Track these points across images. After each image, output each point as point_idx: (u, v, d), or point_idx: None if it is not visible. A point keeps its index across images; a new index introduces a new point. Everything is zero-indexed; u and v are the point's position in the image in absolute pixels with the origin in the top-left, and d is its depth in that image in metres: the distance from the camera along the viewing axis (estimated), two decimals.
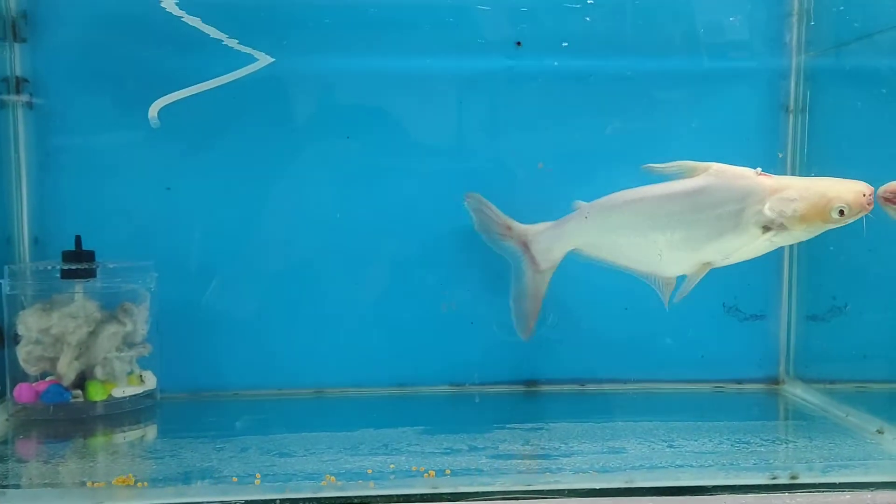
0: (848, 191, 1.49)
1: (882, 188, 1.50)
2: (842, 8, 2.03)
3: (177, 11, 1.86)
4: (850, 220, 1.51)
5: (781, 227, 1.51)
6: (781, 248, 2.17)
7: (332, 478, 1.47)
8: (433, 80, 2.09)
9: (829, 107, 2.10)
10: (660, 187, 1.65)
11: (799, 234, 1.56)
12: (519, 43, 2.01)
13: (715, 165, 1.60)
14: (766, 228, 1.52)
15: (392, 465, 1.54)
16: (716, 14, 2.11)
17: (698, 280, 1.66)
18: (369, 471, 1.51)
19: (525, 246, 1.79)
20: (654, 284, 1.73)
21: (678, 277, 1.72)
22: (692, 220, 1.59)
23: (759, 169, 1.58)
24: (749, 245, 1.57)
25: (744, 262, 2.15)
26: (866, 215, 1.51)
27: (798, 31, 2.13)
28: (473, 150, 2.12)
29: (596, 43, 2.09)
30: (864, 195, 1.48)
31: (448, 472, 1.50)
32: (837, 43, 2.05)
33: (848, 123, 2.01)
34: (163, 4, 1.84)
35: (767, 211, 1.51)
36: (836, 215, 1.48)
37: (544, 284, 1.80)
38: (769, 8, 2.14)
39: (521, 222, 1.88)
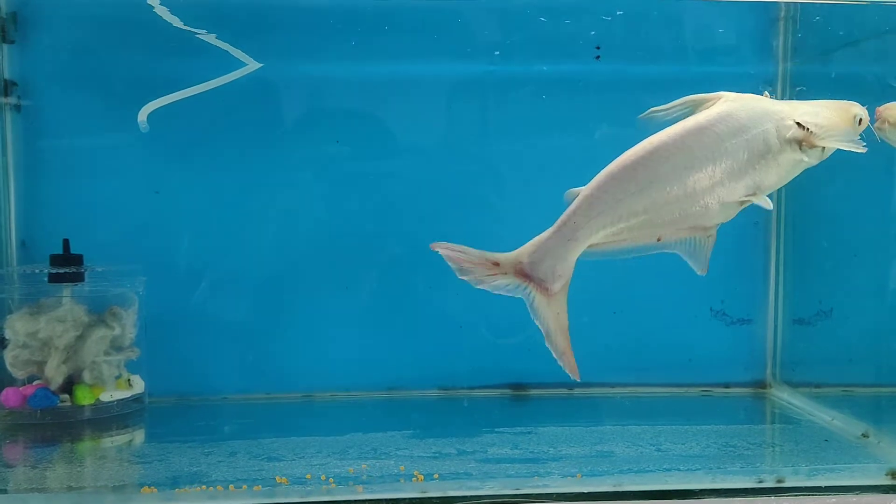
0: (854, 104, 1.50)
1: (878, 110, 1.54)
2: (825, 17, 2.05)
3: (168, 16, 1.85)
4: (859, 132, 1.49)
5: (813, 138, 1.44)
6: (768, 252, 2.20)
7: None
8: (423, 85, 2.10)
9: None
10: (675, 127, 1.45)
11: (826, 149, 1.47)
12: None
13: (726, 93, 1.47)
14: (799, 144, 1.44)
15: (381, 469, 1.54)
16: (703, 20, 2.12)
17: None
18: (352, 470, 1.51)
19: (524, 274, 1.47)
20: (689, 249, 1.48)
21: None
22: (729, 148, 1.42)
23: (766, 93, 1.53)
24: (781, 167, 1.46)
25: (730, 266, 2.20)
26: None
27: (784, 38, 2.15)
28: (463, 155, 2.13)
29: (584, 48, 2.10)
30: (866, 111, 1.50)
31: (436, 476, 1.51)
32: (823, 50, 2.07)
33: None
34: (150, 2, 1.83)
35: (798, 125, 1.44)
36: (857, 124, 1.48)
37: (563, 309, 1.48)
38: (756, 15, 2.16)
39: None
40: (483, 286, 1.48)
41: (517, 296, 1.47)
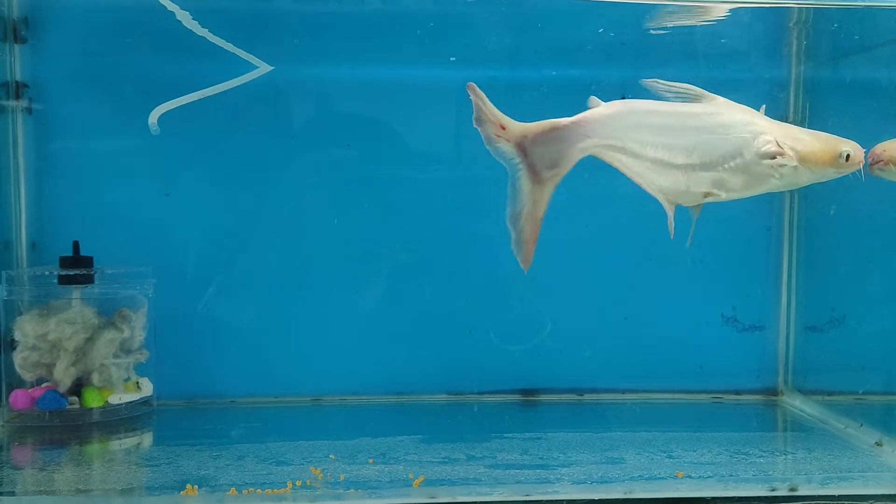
0: (848, 142, 1.51)
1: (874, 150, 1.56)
2: (840, 22, 2.03)
3: (188, 22, 1.85)
4: (846, 171, 1.50)
5: (782, 159, 1.47)
6: (780, 258, 2.19)
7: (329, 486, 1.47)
8: (432, 89, 2.09)
9: (828, 118, 2.10)
10: (686, 105, 1.53)
11: (802, 174, 1.49)
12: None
13: (719, 98, 1.53)
14: (772, 159, 1.47)
15: (389, 474, 1.53)
16: (715, 24, 2.11)
17: (697, 216, 1.53)
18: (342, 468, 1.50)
19: (522, 149, 1.44)
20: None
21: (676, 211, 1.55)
22: (708, 140, 1.49)
23: (763, 107, 1.55)
24: (749, 175, 1.50)
25: (742, 272, 2.18)
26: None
27: (797, 43, 2.14)
28: (471, 159, 2.12)
29: (595, 53, 2.09)
30: (861, 150, 1.51)
31: (445, 481, 1.50)
32: (836, 55, 2.06)
33: (846, 135, 2.01)
34: (170, 8, 1.83)
35: (775, 143, 1.47)
36: (842, 160, 1.48)
37: (544, 199, 1.45)
38: (768, 19, 2.15)
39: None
40: (488, 145, 1.46)
41: (507, 166, 1.45)
